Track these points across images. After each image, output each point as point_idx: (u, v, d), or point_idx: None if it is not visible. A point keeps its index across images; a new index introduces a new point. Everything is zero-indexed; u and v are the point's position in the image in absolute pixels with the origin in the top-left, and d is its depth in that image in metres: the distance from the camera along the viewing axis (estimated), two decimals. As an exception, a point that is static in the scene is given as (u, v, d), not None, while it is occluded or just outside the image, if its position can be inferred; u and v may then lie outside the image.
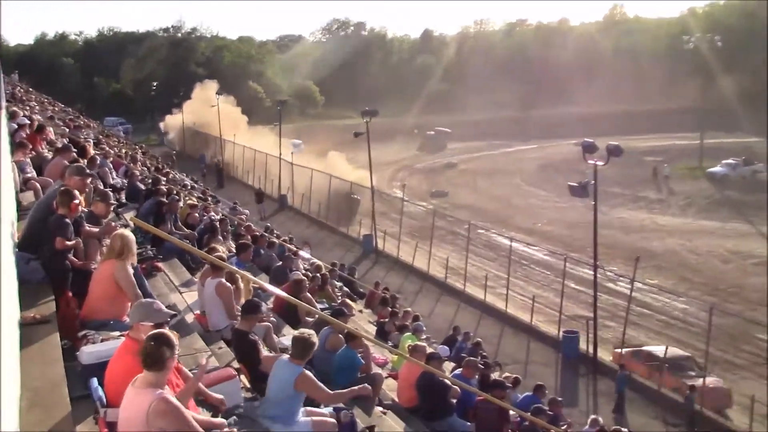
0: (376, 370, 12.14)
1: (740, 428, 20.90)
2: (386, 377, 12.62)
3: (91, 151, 15.42)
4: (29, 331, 6.48)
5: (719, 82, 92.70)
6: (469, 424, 11.60)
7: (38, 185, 11.56)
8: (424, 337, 18.70)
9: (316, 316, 12.17)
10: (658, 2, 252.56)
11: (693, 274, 36.66)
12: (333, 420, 7.70)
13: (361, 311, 22.11)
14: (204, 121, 68.68)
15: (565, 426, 14.81)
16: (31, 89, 50.24)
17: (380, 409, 10.41)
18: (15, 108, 18.95)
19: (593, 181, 24.41)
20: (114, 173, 18.67)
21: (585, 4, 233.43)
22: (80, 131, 22.23)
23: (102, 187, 11.39)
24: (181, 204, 17.26)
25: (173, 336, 5.31)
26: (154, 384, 5.14)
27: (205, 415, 6.16)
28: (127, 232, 7.98)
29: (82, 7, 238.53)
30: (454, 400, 11.58)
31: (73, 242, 8.03)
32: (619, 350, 24.37)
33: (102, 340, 6.83)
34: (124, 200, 16.55)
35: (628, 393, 21.86)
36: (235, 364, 8.50)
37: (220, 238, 16.06)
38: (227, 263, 11.03)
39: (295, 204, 49.21)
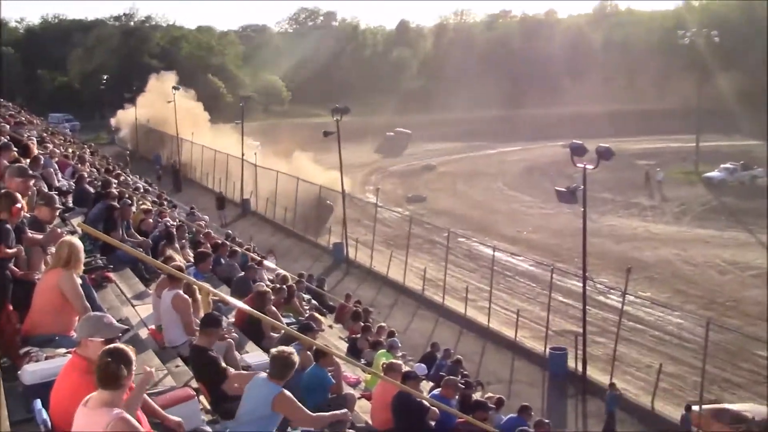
0: (347, 390, 12.11)
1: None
2: (359, 398, 12.59)
3: (35, 151, 15.28)
4: (-36, 349, 6.39)
5: (717, 81, 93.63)
6: (448, 448, 11.59)
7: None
8: (399, 354, 18.71)
9: (282, 331, 12.11)
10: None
11: (688, 286, 36.92)
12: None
13: (331, 326, 22.06)
14: (160, 118, 67.83)
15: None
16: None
17: (352, 432, 10.37)
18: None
19: (582, 186, 24.50)
20: (60, 175, 18.48)
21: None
22: (22, 128, 21.96)
23: (46, 190, 11.29)
24: (134, 209, 17.12)
25: (131, 351, 5.25)
26: (109, 403, 5.09)
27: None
28: (75, 240, 7.90)
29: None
30: (433, 423, 11.55)
31: (14, 250, 7.92)
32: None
33: (46, 358, 6.75)
34: (71, 204, 16.39)
35: (618, 413, 21.96)
36: (194, 384, 8.43)
37: (177, 246, 15.95)
38: (185, 274, 10.94)
39: (258, 209, 49.03)
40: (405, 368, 12.73)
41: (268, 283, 18.18)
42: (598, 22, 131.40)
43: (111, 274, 11.81)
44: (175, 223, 19.41)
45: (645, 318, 31.22)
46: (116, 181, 20.88)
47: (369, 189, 62.34)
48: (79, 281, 7.55)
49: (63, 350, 6.88)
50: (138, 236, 15.50)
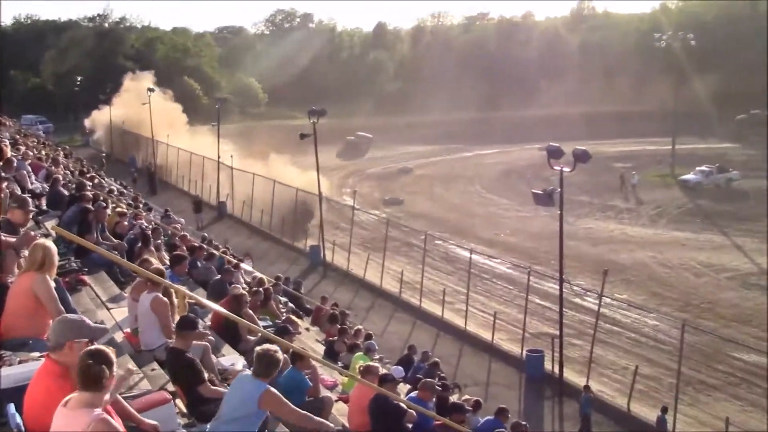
0: (324, 393, 12.12)
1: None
2: (336, 401, 12.59)
3: (8, 153, 15.18)
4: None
5: (693, 84, 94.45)
6: (425, 451, 11.61)
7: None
8: (376, 356, 18.73)
9: (259, 334, 12.10)
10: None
11: (664, 288, 37.16)
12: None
13: (307, 329, 22.04)
14: (137, 119, 66.89)
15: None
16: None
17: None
18: None
19: (559, 189, 24.57)
20: (33, 177, 18.40)
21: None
22: (-5, 130, 21.81)
23: (19, 193, 11.22)
24: (108, 211, 17.04)
25: (112, 353, 5.25)
26: (90, 404, 5.09)
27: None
28: (49, 243, 7.87)
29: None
30: (410, 425, 11.58)
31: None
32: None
33: (20, 362, 6.71)
34: (44, 207, 16.30)
35: (594, 415, 22.08)
36: (170, 387, 8.41)
37: (153, 248, 15.89)
38: (165, 277, 10.91)
39: (235, 212, 48.88)
40: (382, 371, 12.73)
41: (245, 286, 18.15)
42: (575, 24, 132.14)
43: (86, 278, 11.76)
44: (149, 226, 19.32)
45: (621, 320, 31.41)
46: (90, 184, 20.77)
47: (346, 192, 62.31)
48: (53, 284, 7.52)
49: (37, 354, 6.85)
50: (113, 239, 15.43)
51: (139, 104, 61.85)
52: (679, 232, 48.73)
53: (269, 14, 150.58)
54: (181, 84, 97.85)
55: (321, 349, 19.45)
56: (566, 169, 23.96)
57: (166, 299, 10.13)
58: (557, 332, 25.16)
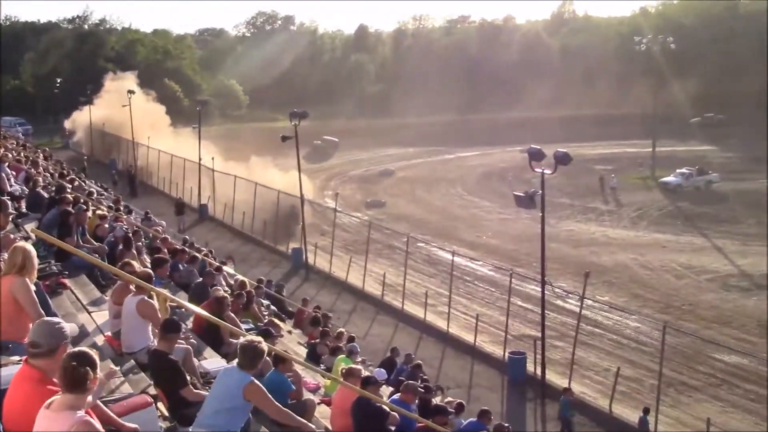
0: (307, 396, 12.08)
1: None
2: (318, 403, 12.55)
3: (-13, 155, 15.04)
4: None
5: (672, 87, 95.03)
6: (408, 453, 11.59)
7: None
8: (359, 359, 18.69)
9: (241, 337, 12.04)
10: (609, 1, 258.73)
11: (645, 290, 37.32)
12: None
13: (290, 332, 21.98)
14: (119, 120, 65.94)
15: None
16: None
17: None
18: None
19: (540, 191, 24.62)
20: (12, 179, 18.26)
21: (532, 2, 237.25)
22: (-26, 132, 21.62)
23: (-1, 195, 11.12)
24: (89, 214, 16.92)
25: (95, 354, 5.24)
26: (74, 406, 5.07)
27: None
28: (28, 246, 7.80)
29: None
30: (393, 428, 11.56)
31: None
32: None
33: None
34: (24, 210, 16.18)
35: (577, 417, 22.11)
36: (152, 391, 8.36)
37: (134, 251, 15.79)
38: (152, 281, 10.83)
39: (216, 214, 48.70)
40: (364, 373, 12.71)
41: (227, 289, 18.07)
42: (556, 27, 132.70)
43: (66, 281, 11.67)
44: (128, 228, 19.17)
45: (603, 322, 31.53)
46: (71, 186, 20.63)
47: (328, 194, 62.23)
48: (33, 288, 7.45)
49: (17, 358, 6.78)
50: (94, 242, 15.33)
51: (122, 104, 61.22)
52: (660, 234, 48.99)
53: (250, 16, 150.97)
54: (161, 86, 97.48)
55: (303, 351, 19.39)
56: (547, 172, 23.99)
57: (153, 301, 10.08)
58: (539, 334, 25.22)
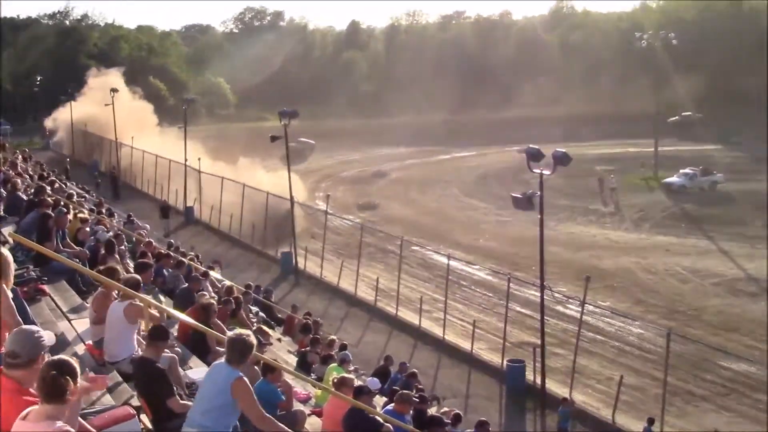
0: (297, 406, 12.03)
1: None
2: (309, 414, 12.51)
3: (-37, 156, 14.96)
4: None
5: (674, 84, 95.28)
6: (403, 466, 11.53)
7: None
8: (351, 368, 18.60)
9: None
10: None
11: (649, 295, 37.32)
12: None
13: (279, 340, 21.94)
14: (103, 119, 65.06)
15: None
16: None
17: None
18: None
19: (539, 193, 24.57)
20: (-10, 181, 18.13)
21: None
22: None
23: (-25, 197, 11.04)
24: (70, 217, 16.83)
25: (76, 363, 5.19)
26: (52, 417, 5.04)
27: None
28: (5, 250, 7.72)
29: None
30: (387, 440, 11.50)
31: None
32: None
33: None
34: (2, 213, 16.09)
35: (578, 427, 22.08)
36: (135, 402, 8.28)
37: (117, 256, 15.71)
38: (140, 288, 10.75)
39: (203, 217, 48.59)
40: (357, 383, 12.65)
41: (213, 295, 18.00)
42: (554, 23, 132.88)
43: (45, 287, 11.61)
44: (110, 234, 19.08)
45: (605, 328, 31.49)
46: (50, 188, 20.53)
47: (319, 196, 62.15)
48: (10, 294, 7.37)
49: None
50: (74, 246, 15.24)
51: (107, 102, 60.75)
52: (664, 237, 49.01)
53: (238, 12, 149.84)
54: (146, 84, 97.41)
55: (293, 360, 19.35)
56: (546, 172, 23.92)
57: (141, 304, 10.01)
58: (539, 341, 25.13)
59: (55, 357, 5.31)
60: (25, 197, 17.07)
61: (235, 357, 7.37)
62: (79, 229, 16.73)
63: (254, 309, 22.26)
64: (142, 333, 10.05)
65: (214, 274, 22.75)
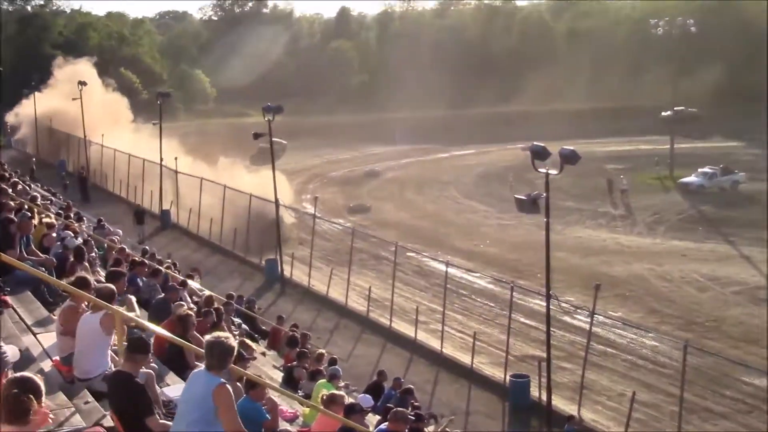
0: (283, 426, 12.05)
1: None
2: (296, 435, 12.53)
3: None
4: None
5: (692, 77, 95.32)
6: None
7: None
8: (342, 384, 18.65)
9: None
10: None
11: (663, 304, 37.36)
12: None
13: (264, 353, 21.98)
14: (72, 114, 64.62)
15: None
16: None
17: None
18: None
19: (544, 194, 24.60)
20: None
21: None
22: None
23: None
24: (35, 222, 16.83)
25: (40, 381, 5.20)
26: None
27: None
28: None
29: None
30: (380, 462, 11.55)
31: None
32: None
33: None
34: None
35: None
36: (106, 422, 8.28)
37: (86, 264, 15.71)
38: (114, 298, 10.73)
39: (180, 222, 48.54)
40: (348, 400, 12.70)
41: (192, 305, 18.01)
42: (562, 10, 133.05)
43: (7, 298, 11.60)
44: (77, 238, 19.07)
45: (616, 341, 31.54)
46: (12, 190, 20.53)
47: (306, 198, 62.18)
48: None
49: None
50: (40, 254, 15.24)
51: (76, 95, 60.29)
52: (680, 242, 49.08)
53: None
54: (117, 76, 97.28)
55: (279, 376, 19.37)
56: (552, 172, 23.95)
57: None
58: (544, 355, 25.19)
59: (18, 374, 5.32)
60: (-15, 201, 17.04)
61: (214, 362, 7.37)
62: (44, 234, 16.72)
63: (237, 321, 22.28)
64: (113, 347, 10.06)
65: (193, 283, 22.76)
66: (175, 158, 50.51)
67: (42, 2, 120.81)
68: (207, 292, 20.87)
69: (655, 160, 74.17)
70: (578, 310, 32.35)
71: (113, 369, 9.47)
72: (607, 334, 31.49)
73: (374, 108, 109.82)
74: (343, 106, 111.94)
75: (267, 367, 20.24)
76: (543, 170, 23.68)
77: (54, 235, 17.15)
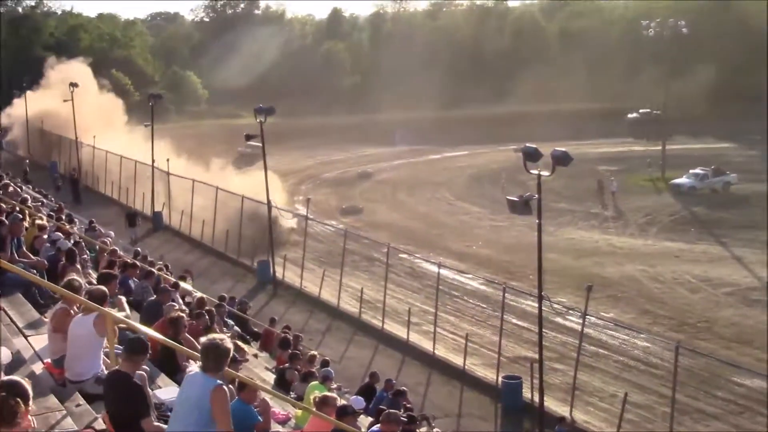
0: (275, 428, 12.05)
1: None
2: (288, 437, 12.54)
3: None
4: None
5: (685, 77, 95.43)
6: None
7: None
8: (334, 386, 18.67)
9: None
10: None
11: (656, 305, 37.43)
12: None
13: (256, 355, 21.98)
14: (65, 115, 64.21)
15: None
16: None
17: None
18: None
19: (536, 195, 24.59)
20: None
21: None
22: None
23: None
24: (26, 224, 16.82)
25: (28, 385, 5.19)
26: None
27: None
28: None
29: None
30: (372, 464, 11.56)
31: None
32: None
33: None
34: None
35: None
36: (98, 425, 8.27)
37: (78, 266, 15.70)
38: (107, 301, 10.73)
39: (172, 223, 48.46)
40: (340, 402, 12.70)
41: (184, 308, 18.00)
42: (554, 11, 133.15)
43: (-1, 300, 11.58)
44: (69, 240, 19.05)
45: (608, 342, 31.60)
46: (3, 192, 20.51)
47: (299, 200, 62.14)
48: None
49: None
50: (31, 256, 15.22)
51: (69, 96, 59.90)
52: (672, 243, 49.16)
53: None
54: (109, 78, 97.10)
55: (271, 377, 19.37)
56: (545, 173, 23.94)
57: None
58: (536, 356, 25.20)
59: (5, 378, 5.30)
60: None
61: (210, 364, 7.37)
62: (36, 237, 16.71)
63: (230, 323, 22.28)
64: (104, 349, 10.05)
65: (185, 285, 22.76)
66: (167, 160, 50.44)
67: (33, 4, 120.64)
68: (199, 294, 20.86)
69: (647, 161, 74.19)
70: (570, 311, 32.39)
71: (105, 371, 9.47)
72: (599, 335, 31.57)
73: (367, 109, 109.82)
74: (335, 107, 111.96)
75: (259, 368, 20.25)
76: (535, 172, 23.65)
77: (45, 236, 17.14)
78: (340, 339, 31.83)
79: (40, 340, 11.27)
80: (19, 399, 5.05)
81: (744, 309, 36.47)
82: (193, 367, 7.72)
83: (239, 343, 18.71)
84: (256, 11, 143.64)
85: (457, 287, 38.60)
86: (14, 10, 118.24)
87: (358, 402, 16.65)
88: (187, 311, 16.88)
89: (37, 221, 18.46)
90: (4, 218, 14.80)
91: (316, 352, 22.50)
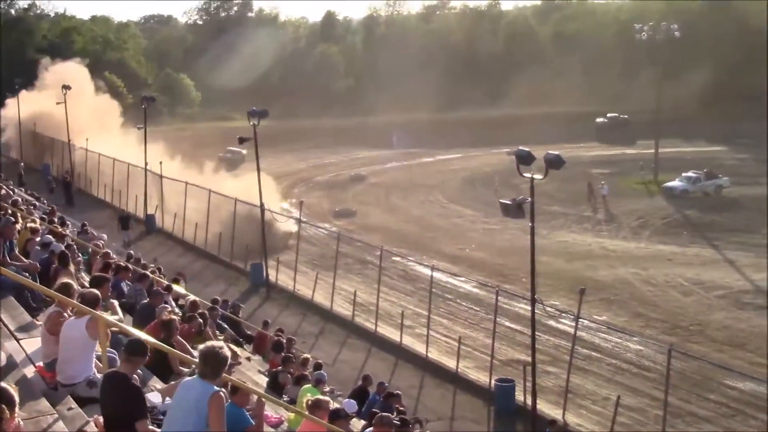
0: (268, 431, 12.02)
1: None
2: (280, 440, 12.53)
3: None
4: None
5: (678, 80, 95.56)
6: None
7: None
8: (327, 389, 18.63)
9: (193, 366, 11.98)
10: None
11: (648, 308, 37.49)
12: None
13: (248, 358, 21.93)
14: (58, 118, 63.89)
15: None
16: None
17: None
18: None
19: (529, 198, 24.60)
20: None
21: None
22: None
23: None
24: (18, 227, 16.78)
25: (14, 390, 5.16)
26: None
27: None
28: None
29: None
30: (365, 467, 11.55)
31: None
32: None
33: None
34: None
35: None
36: (89, 429, 8.26)
37: (71, 269, 15.67)
38: (99, 305, 10.72)
39: (165, 226, 48.40)
40: (333, 405, 12.69)
41: (177, 311, 17.98)
42: (547, 14, 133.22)
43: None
44: (62, 242, 19.01)
45: (601, 345, 31.64)
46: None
47: (291, 202, 62.11)
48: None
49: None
50: (23, 259, 15.19)
51: (66, 98, 59.61)
52: (665, 246, 49.26)
53: (202, 2, 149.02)
54: (102, 80, 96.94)
55: (264, 381, 19.34)
56: (538, 177, 23.95)
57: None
58: (529, 359, 25.21)
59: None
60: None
61: (208, 371, 7.37)
62: (28, 239, 16.68)
63: (223, 325, 22.25)
64: (96, 353, 10.04)
65: (178, 288, 22.72)
66: (160, 162, 50.34)
67: (26, 6, 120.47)
68: (192, 297, 20.82)
69: (640, 164, 74.28)
70: (563, 314, 32.41)
71: (97, 374, 9.46)
72: (591, 338, 31.62)
73: (360, 112, 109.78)
74: (329, 110, 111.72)
75: (252, 372, 20.21)
76: (528, 175, 23.67)
77: (38, 239, 17.10)
78: (333, 342, 31.81)
79: (32, 344, 11.24)
80: (4, 405, 5.01)
81: (736, 312, 36.56)
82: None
83: (232, 346, 18.71)
84: (250, 14, 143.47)
85: (450, 290, 38.62)
86: (7, 13, 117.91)
87: (351, 405, 16.64)
88: (180, 314, 16.87)
89: (30, 224, 18.42)
90: (-4, 221, 14.78)
91: (309, 355, 22.46)
